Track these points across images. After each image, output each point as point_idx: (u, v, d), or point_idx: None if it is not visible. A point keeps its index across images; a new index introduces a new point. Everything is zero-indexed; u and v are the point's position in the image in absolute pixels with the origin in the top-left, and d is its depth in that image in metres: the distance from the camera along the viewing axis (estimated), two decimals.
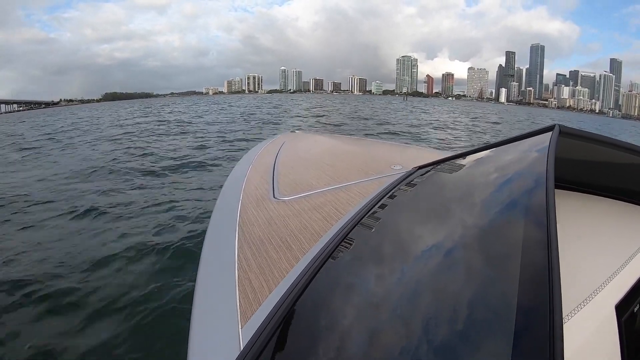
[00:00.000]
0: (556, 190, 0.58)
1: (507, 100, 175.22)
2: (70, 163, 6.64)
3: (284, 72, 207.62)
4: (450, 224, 0.75)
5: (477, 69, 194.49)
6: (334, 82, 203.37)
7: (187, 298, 2.01)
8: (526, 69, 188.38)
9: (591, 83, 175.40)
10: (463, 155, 1.11)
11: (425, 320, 0.51)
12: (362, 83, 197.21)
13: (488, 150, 1.02)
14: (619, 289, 0.63)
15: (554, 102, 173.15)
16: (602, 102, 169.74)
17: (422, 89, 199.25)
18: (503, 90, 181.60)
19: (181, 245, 2.79)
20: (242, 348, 0.57)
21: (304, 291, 0.66)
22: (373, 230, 0.86)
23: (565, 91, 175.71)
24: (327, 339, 0.57)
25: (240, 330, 0.64)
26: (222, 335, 0.65)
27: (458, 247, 0.64)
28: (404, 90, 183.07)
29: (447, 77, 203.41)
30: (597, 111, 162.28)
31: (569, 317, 0.55)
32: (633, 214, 0.91)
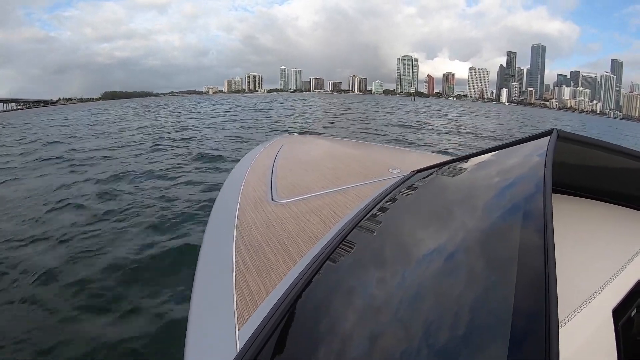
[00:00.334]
0: (554, 195, 0.58)
1: (508, 100, 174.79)
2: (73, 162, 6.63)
3: (284, 71, 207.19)
4: (448, 227, 0.75)
5: (478, 69, 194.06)
6: (334, 82, 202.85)
7: (184, 300, 2.01)
8: (527, 69, 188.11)
9: (592, 84, 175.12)
10: (461, 159, 1.11)
11: (421, 323, 0.51)
12: (363, 83, 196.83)
13: (486, 155, 1.02)
14: (616, 293, 0.63)
15: (555, 103, 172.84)
16: (603, 103, 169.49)
17: (423, 88, 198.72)
18: (504, 91, 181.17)
19: (179, 246, 2.78)
20: (238, 350, 0.58)
21: (301, 294, 0.66)
22: (371, 233, 0.86)
23: (566, 92, 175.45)
24: (323, 341, 0.57)
25: (237, 332, 0.63)
26: (219, 338, 0.65)
27: (454, 250, 0.64)
28: (412, 90, 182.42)
29: (448, 77, 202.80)
30: (598, 112, 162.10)
31: (566, 321, 0.54)
32: (630, 218, 0.91)
